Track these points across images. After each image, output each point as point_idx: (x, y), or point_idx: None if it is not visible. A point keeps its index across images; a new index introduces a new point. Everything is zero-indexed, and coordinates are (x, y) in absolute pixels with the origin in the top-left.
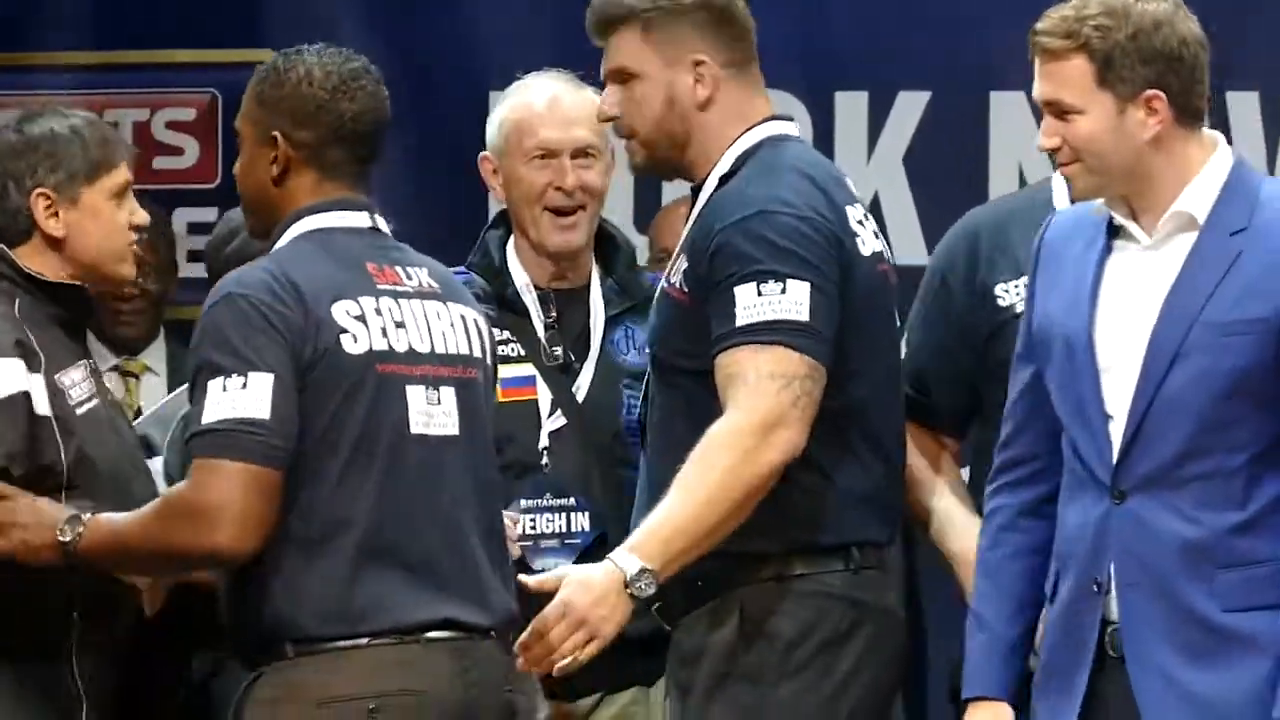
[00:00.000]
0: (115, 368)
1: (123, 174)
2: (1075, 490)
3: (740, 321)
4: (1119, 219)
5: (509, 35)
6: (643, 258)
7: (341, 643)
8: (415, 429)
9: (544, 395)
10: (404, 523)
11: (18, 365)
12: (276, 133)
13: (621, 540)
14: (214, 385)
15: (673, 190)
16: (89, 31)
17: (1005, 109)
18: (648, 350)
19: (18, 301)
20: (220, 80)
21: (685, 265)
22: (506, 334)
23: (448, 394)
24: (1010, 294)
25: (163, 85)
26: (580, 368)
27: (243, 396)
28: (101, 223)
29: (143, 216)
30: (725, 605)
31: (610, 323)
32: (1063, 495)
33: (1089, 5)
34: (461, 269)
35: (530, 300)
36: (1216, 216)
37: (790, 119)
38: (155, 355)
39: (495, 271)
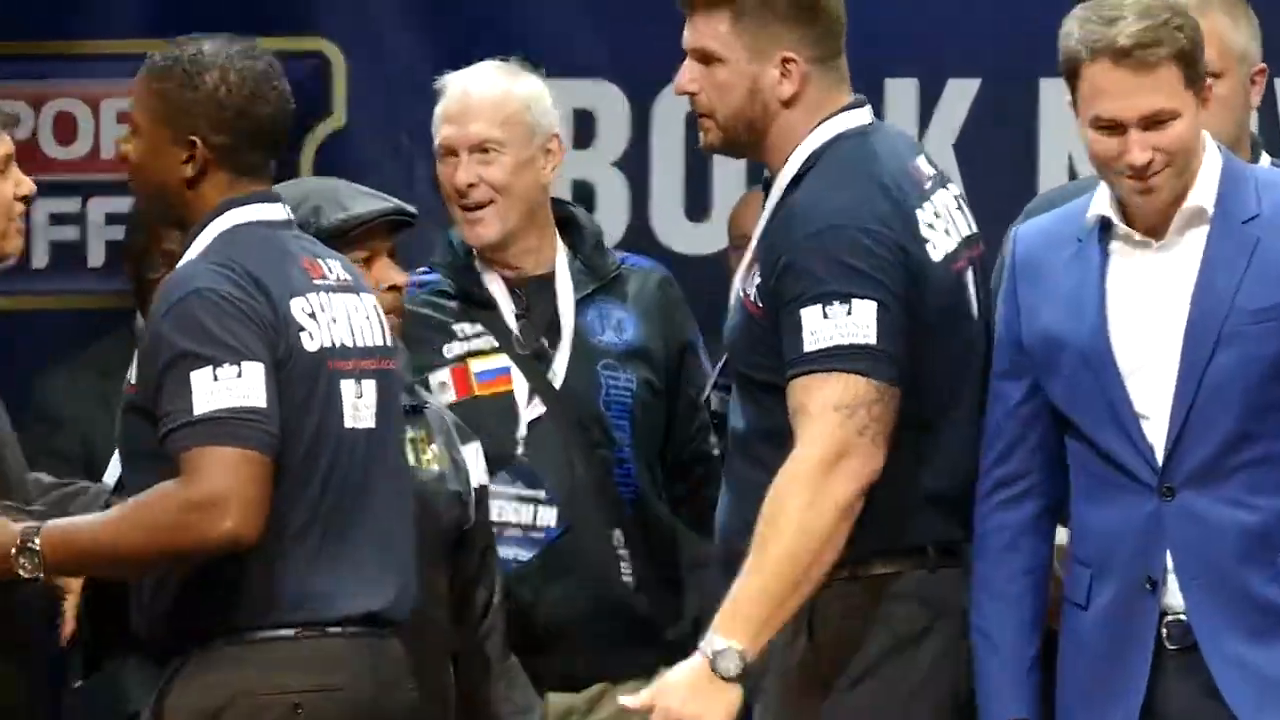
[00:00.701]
0: None
1: (1, 147)
2: (1104, 494)
3: (807, 347)
4: (1120, 224)
5: (561, 24)
6: (712, 243)
7: (267, 633)
8: (347, 423)
9: (520, 385)
10: (335, 517)
11: None
12: (194, 136)
13: (593, 526)
14: (200, 376)
15: (722, 181)
16: (152, 20)
17: (1055, 96)
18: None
19: None
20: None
21: (759, 280)
22: (479, 326)
23: (369, 386)
24: None
25: None
26: (554, 354)
27: (239, 385)
28: None
29: (29, 186)
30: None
31: (581, 304)
32: (1082, 501)
33: (1152, 8)
34: (425, 269)
35: (497, 291)
36: (1224, 207)
37: (865, 104)
38: None
39: (461, 267)
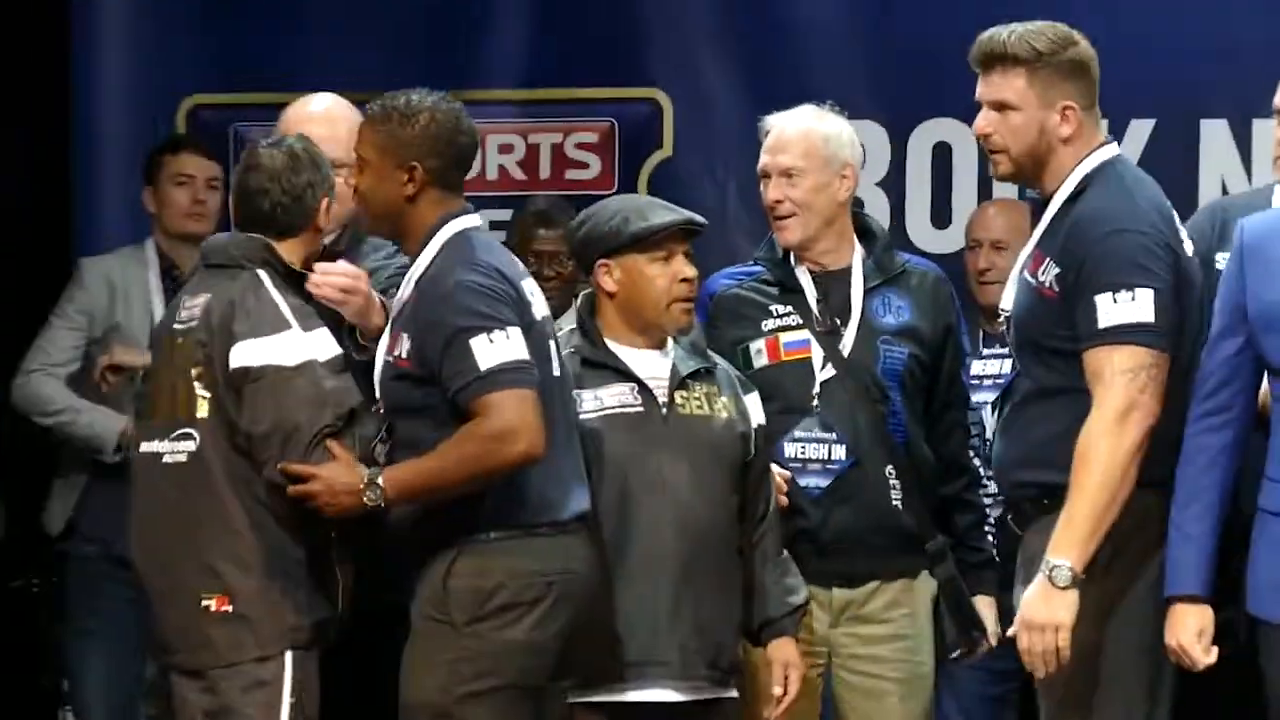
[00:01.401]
0: None
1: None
2: None
3: (1101, 325)
4: None
5: (841, 77)
6: (952, 245)
7: (522, 531)
8: (553, 372)
9: (816, 353)
10: (552, 442)
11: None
12: (414, 163)
13: (871, 461)
14: (479, 341)
15: (959, 197)
16: (519, 74)
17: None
18: (1013, 331)
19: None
20: (617, 111)
21: (1057, 270)
22: (789, 308)
23: (554, 344)
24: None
25: (573, 115)
26: (845, 331)
27: (508, 345)
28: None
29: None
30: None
31: (869, 293)
32: None
33: None
34: (752, 262)
35: (805, 281)
36: None
37: (1114, 141)
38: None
39: (779, 261)
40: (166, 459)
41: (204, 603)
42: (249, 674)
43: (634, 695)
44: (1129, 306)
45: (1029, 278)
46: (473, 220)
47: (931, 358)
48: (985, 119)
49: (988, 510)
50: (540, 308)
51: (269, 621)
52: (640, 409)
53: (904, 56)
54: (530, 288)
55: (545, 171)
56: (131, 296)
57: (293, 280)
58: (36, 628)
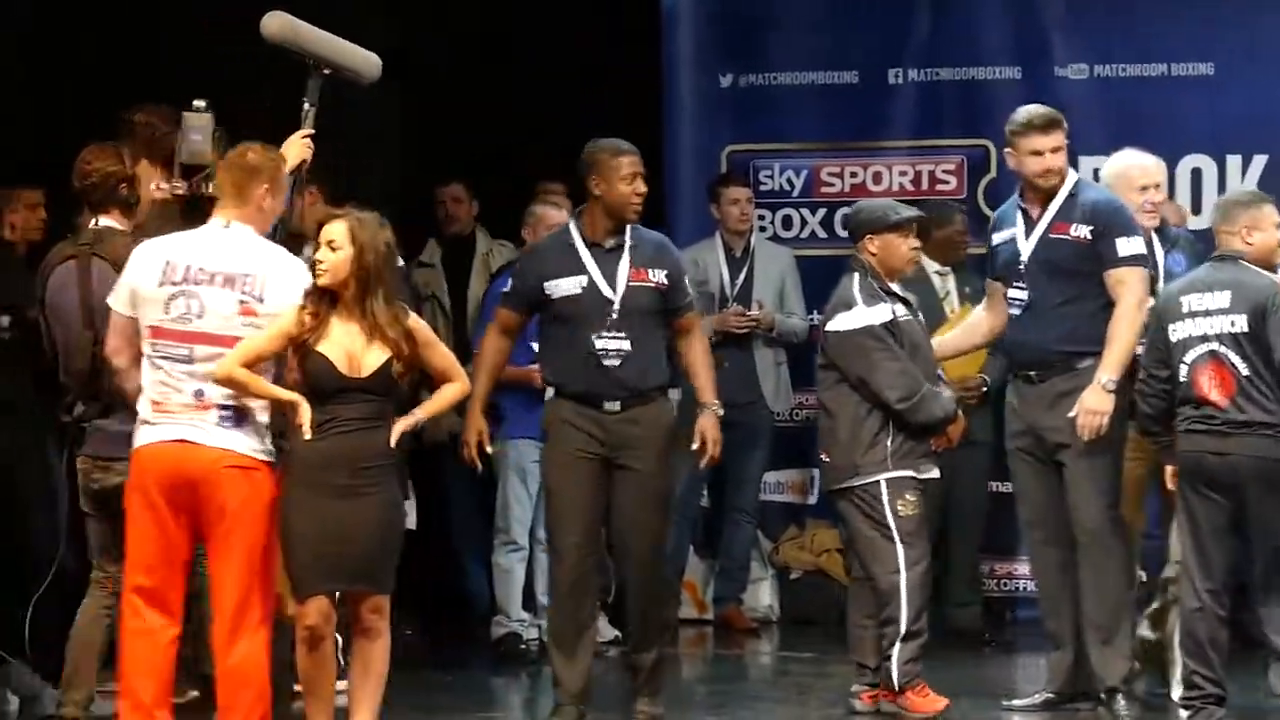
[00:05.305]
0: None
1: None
2: None
3: (1121, 254)
4: None
5: None
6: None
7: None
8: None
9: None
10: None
11: None
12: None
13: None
14: (687, 279)
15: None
16: (911, 130)
17: None
18: (1044, 265)
19: None
20: (965, 152)
21: (1089, 227)
22: None
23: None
24: None
25: (941, 154)
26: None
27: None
28: None
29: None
30: None
31: None
32: None
33: None
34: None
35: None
36: None
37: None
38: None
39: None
40: None
41: None
42: None
43: (928, 474)
44: (1135, 243)
45: (1058, 236)
46: None
47: None
48: (1056, 158)
49: None
50: None
51: None
52: (908, 315)
53: (1140, 120)
54: None
55: (925, 185)
56: (709, 268)
57: None
58: None
